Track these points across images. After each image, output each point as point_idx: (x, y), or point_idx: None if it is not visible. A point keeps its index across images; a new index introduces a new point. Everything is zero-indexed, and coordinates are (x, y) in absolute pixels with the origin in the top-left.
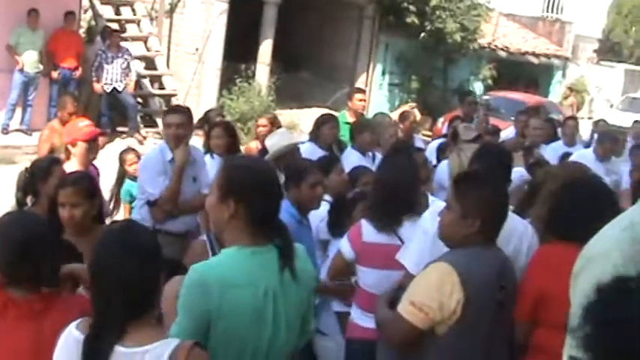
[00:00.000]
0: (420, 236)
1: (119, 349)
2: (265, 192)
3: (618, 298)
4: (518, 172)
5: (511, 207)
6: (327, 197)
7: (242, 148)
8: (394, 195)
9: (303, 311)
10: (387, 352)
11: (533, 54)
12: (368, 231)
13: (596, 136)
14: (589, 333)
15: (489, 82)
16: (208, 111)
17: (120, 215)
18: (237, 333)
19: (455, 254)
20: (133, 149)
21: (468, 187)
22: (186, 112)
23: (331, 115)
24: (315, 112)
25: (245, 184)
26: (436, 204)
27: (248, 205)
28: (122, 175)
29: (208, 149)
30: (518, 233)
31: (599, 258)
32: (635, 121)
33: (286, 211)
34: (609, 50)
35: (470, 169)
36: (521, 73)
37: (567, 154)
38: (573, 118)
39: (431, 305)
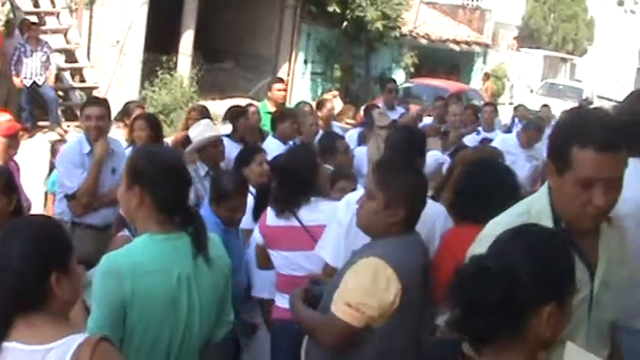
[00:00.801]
0: (335, 227)
1: (15, 345)
2: (169, 179)
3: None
4: (434, 156)
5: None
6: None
7: (168, 139)
8: (289, 179)
9: (219, 300)
10: (318, 352)
11: (454, 41)
12: (270, 215)
13: (516, 120)
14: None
15: (411, 69)
16: (128, 103)
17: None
18: (152, 320)
19: (382, 246)
20: (65, 140)
21: (391, 175)
22: (104, 104)
23: (241, 106)
24: (238, 103)
25: (149, 171)
26: (350, 194)
27: (153, 191)
28: (53, 166)
29: (132, 142)
30: (431, 217)
31: (485, 240)
32: (544, 105)
33: (210, 220)
34: (528, 37)
35: (390, 156)
36: (442, 60)
37: (486, 140)
38: (491, 104)
39: (368, 303)
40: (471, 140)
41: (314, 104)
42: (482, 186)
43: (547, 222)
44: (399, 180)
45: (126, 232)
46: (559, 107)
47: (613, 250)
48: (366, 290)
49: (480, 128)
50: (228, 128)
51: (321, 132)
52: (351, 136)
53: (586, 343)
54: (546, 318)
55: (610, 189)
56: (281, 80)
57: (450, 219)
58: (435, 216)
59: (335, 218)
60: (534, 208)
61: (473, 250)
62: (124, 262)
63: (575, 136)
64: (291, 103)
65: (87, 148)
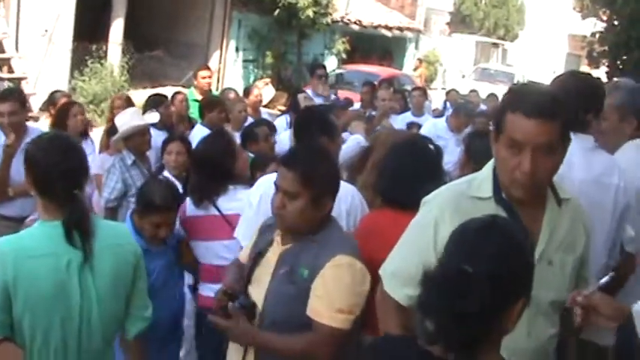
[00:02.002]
0: (247, 209)
1: None
2: (48, 165)
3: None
4: (356, 139)
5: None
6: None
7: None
8: (206, 168)
9: (126, 291)
10: None
11: (386, 27)
12: (189, 206)
13: (448, 105)
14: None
15: (343, 55)
16: (53, 92)
17: None
18: (40, 303)
19: (336, 242)
20: None
21: (309, 169)
22: (16, 97)
23: (161, 95)
24: (170, 91)
25: (33, 159)
26: (264, 178)
27: (36, 178)
28: None
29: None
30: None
31: (423, 206)
32: (472, 90)
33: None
34: (460, 22)
35: (296, 149)
36: (374, 46)
37: (413, 124)
38: (420, 88)
39: (358, 303)
40: (400, 125)
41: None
42: (408, 168)
43: (487, 190)
44: (320, 172)
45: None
46: (491, 92)
47: (560, 230)
48: (352, 291)
49: (409, 113)
50: (155, 117)
51: (249, 119)
52: (281, 122)
53: (526, 314)
54: (516, 314)
55: (539, 157)
56: (207, 68)
57: (360, 201)
58: (340, 196)
59: (247, 201)
60: (478, 178)
61: (412, 230)
62: (7, 247)
63: (510, 102)
64: (220, 91)
65: (1, 139)
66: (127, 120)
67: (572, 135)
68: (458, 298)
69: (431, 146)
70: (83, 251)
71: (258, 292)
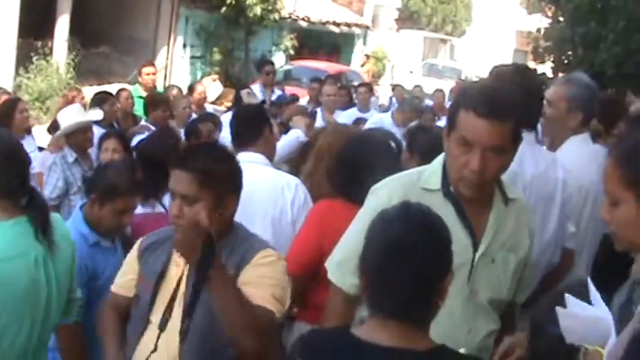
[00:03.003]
0: None
1: None
2: (5, 163)
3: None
4: (295, 134)
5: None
6: None
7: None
8: (150, 165)
9: (71, 276)
10: None
11: (334, 23)
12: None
13: (394, 100)
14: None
15: (291, 52)
16: None
17: None
18: (13, 304)
19: (254, 240)
20: None
21: (212, 168)
22: None
23: (106, 92)
24: (116, 88)
25: None
26: None
27: None
28: None
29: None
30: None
31: (371, 194)
32: (416, 86)
33: (76, 229)
34: (408, 19)
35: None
36: (322, 42)
37: (360, 120)
38: (365, 84)
39: (287, 296)
40: (345, 121)
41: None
42: (363, 160)
43: (436, 183)
44: (220, 171)
45: None
46: (438, 87)
47: (505, 229)
48: (283, 283)
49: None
50: (98, 114)
51: (194, 116)
52: (227, 118)
53: (464, 312)
54: (444, 289)
55: (489, 156)
56: (151, 64)
57: (303, 191)
58: (285, 185)
59: None
60: (427, 170)
61: (360, 218)
62: None
63: (463, 100)
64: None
65: None
66: (69, 117)
67: (528, 132)
68: (399, 271)
69: (391, 141)
70: (48, 245)
71: (170, 323)
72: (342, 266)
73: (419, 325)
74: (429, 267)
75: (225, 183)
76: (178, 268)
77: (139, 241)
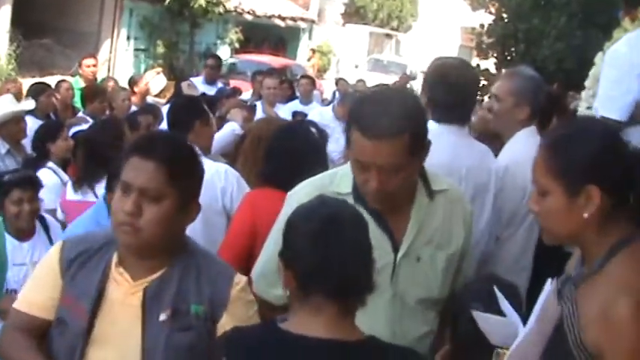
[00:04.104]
0: None
1: None
2: None
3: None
4: (230, 127)
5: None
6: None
7: None
8: (87, 153)
9: None
10: None
11: (280, 17)
12: (69, 190)
13: (337, 94)
14: None
15: (236, 45)
16: None
17: None
18: None
19: (215, 259)
20: None
21: (182, 159)
22: None
23: (45, 83)
24: (58, 80)
25: None
26: None
27: None
28: None
29: None
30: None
31: (287, 200)
32: (359, 80)
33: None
34: (354, 13)
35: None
36: (268, 36)
37: (299, 113)
38: (307, 77)
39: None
40: (287, 114)
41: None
42: (290, 150)
43: (347, 186)
44: (190, 165)
45: None
46: (383, 82)
47: (431, 223)
48: (255, 309)
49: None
50: (30, 104)
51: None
52: (166, 110)
53: (388, 315)
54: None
55: (388, 174)
56: (91, 56)
57: (236, 180)
58: (214, 174)
59: None
60: (339, 173)
61: (278, 227)
62: None
63: (354, 119)
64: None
65: None
66: (1, 107)
67: (452, 126)
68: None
69: (314, 130)
70: None
71: (114, 355)
72: (266, 278)
73: (354, 308)
74: (365, 237)
75: (193, 182)
76: (120, 287)
77: (57, 248)
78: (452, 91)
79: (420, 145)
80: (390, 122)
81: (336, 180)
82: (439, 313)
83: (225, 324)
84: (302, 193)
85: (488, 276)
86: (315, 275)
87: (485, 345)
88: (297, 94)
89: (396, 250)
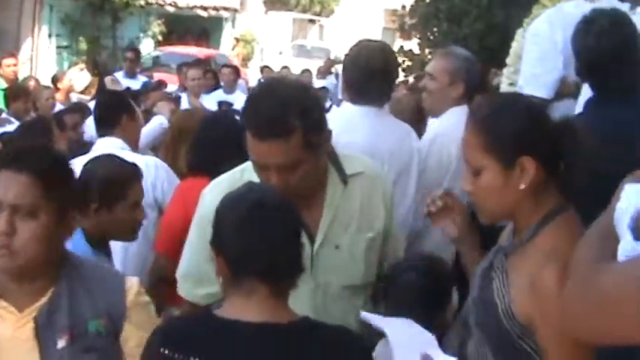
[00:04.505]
0: None
1: None
2: None
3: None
4: (158, 120)
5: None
6: None
7: None
8: None
9: None
10: None
11: (202, 7)
12: None
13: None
14: None
15: (159, 37)
16: None
17: None
18: None
19: (102, 267)
20: None
21: (56, 170)
22: None
23: None
24: None
25: None
26: None
27: None
28: None
29: None
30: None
31: (202, 198)
32: (284, 67)
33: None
34: (277, 0)
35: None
36: (191, 27)
37: (224, 102)
38: (230, 66)
39: None
40: (211, 104)
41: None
42: (215, 139)
43: (257, 180)
44: (65, 175)
45: None
46: (308, 67)
47: (348, 209)
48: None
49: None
50: None
51: (60, 106)
52: (92, 106)
53: (311, 305)
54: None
55: (286, 172)
56: (12, 55)
57: (165, 172)
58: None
59: None
60: (249, 168)
61: (194, 226)
62: None
63: (244, 120)
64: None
65: None
66: None
67: (369, 107)
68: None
69: (238, 118)
70: None
71: None
72: (189, 279)
73: (286, 291)
74: (293, 220)
75: (69, 192)
76: (5, 322)
77: None
78: (364, 72)
79: (315, 137)
80: (278, 122)
81: (246, 174)
82: (369, 298)
83: (128, 335)
84: (213, 192)
85: (419, 253)
86: (246, 259)
87: (417, 313)
88: (222, 83)
89: (312, 240)
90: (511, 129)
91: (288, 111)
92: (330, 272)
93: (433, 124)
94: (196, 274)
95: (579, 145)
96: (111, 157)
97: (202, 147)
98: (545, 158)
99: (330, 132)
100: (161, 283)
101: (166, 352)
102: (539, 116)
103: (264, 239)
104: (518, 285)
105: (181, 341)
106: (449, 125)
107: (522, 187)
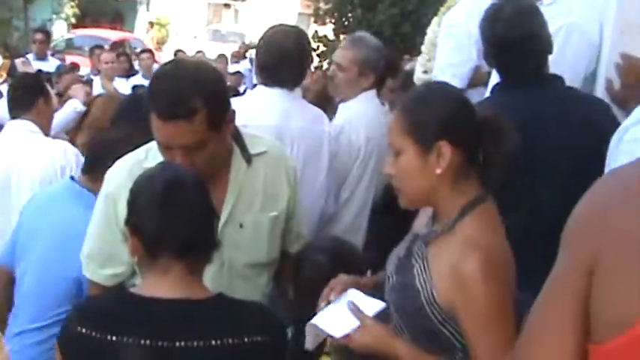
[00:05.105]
0: None
1: None
2: None
3: None
4: (72, 104)
5: None
6: None
7: None
8: None
9: None
10: None
11: None
12: None
13: None
14: None
15: (73, 20)
16: None
17: None
18: None
19: None
20: None
21: None
22: None
23: None
24: None
25: None
26: None
27: None
28: None
29: None
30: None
31: (106, 176)
32: (198, 51)
33: None
34: None
35: None
36: (105, 9)
37: (140, 86)
38: (147, 51)
39: None
40: (127, 87)
41: None
42: (134, 123)
43: (161, 160)
44: None
45: None
46: (223, 51)
47: (252, 188)
48: None
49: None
50: None
51: None
52: (4, 89)
53: (220, 281)
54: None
55: (189, 153)
56: None
57: (78, 154)
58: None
59: None
60: (154, 148)
61: (97, 207)
62: None
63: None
64: None
65: None
66: None
67: (280, 89)
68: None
69: None
70: None
71: None
72: (94, 259)
73: (201, 267)
74: (206, 199)
75: None
76: None
77: None
78: (276, 54)
79: (220, 117)
80: (182, 103)
81: (151, 154)
82: (272, 279)
83: None
84: (119, 169)
85: (330, 236)
86: (161, 237)
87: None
88: (138, 67)
89: (217, 218)
90: (432, 114)
91: (191, 92)
92: (235, 250)
93: (343, 109)
94: (101, 254)
95: (501, 138)
96: None
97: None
98: (464, 145)
99: (234, 112)
100: None
101: (84, 330)
102: (462, 104)
103: (180, 218)
104: (439, 272)
105: (99, 320)
106: (358, 110)
107: (438, 171)
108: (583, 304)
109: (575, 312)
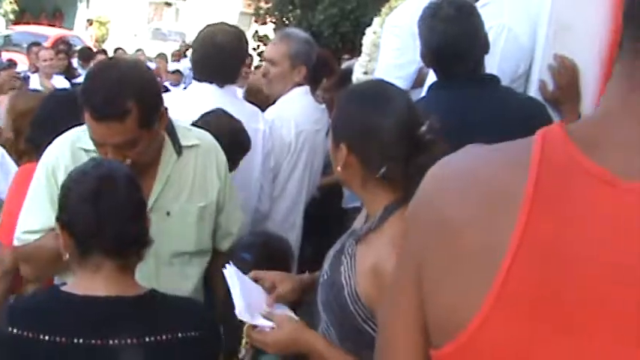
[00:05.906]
0: None
1: None
2: None
3: None
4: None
5: None
6: None
7: None
8: None
9: None
10: None
11: None
12: None
13: None
14: None
15: (11, 16)
16: None
17: None
18: None
19: None
20: None
21: None
22: None
23: None
24: None
25: None
26: None
27: None
28: None
29: None
30: None
31: (46, 150)
32: (137, 50)
33: None
34: None
35: None
36: (44, 6)
37: (78, 84)
38: (88, 49)
39: None
40: (60, 84)
41: None
42: (54, 120)
43: (91, 143)
44: None
45: None
46: (164, 50)
47: (180, 179)
48: None
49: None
50: None
51: None
52: None
53: (146, 269)
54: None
55: (121, 149)
56: None
57: (5, 155)
58: None
59: None
60: (82, 131)
61: (37, 181)
62: None
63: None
64: None
65: None
66: None
67: (214, 86)
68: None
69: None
70: None
71: None
72: (37, 234)
73: (133, 264)
74: (138, 195)
75: None
76: None
77: None
78: (211, 50)
79: (152, 116)
80: (114, 104)
81: (85, 137)
82: (205, 271)
83: None
84: (59, 143)
85: (260, 232)
86: (92, 235)
87: None
88: (75, 65)
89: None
90: (340, 114)
91: (123, 92)
92: (161, 238)
93: (274, 105)
94: (43, 228)
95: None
96: None
97: (42, 129)
98: (360, 151)
99: (166, 109)
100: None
101: (15, 331)
102: (372, 110)
103: (111, 215)
104: (363, 269)
105: (30, 319)
106: (289, 105)
107: (338, 169)
108: (421, 308)
109: (416, 317)
